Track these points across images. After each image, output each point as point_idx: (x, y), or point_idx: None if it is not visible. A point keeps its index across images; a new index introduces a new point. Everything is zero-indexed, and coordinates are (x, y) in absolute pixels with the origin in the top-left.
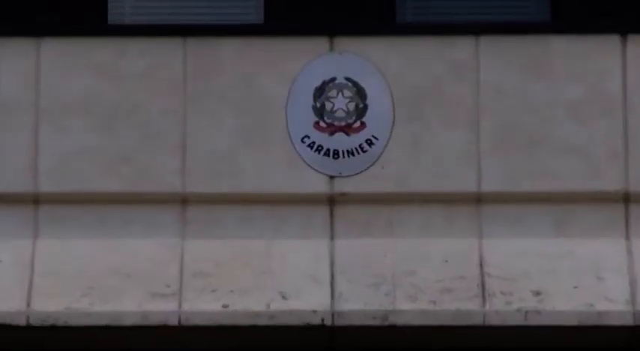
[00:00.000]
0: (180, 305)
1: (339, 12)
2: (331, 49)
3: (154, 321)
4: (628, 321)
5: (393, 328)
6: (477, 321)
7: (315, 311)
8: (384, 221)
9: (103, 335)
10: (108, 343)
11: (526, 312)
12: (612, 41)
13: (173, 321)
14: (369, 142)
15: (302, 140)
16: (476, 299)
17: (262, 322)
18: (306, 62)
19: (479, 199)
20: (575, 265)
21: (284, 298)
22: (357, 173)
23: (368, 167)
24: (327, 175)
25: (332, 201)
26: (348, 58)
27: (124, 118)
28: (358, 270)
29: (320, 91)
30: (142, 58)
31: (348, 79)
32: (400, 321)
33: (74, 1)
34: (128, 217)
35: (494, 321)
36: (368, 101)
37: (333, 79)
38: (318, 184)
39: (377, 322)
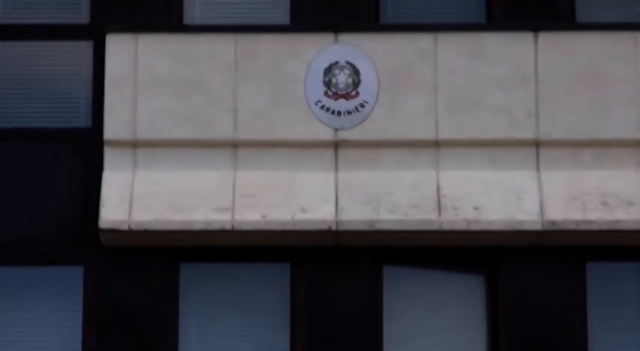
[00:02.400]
0: (233, 216)
1: (341, 16)
2: (336, 41)
3: (215, 227)
4: (538, 227)
5: (379, 232)
6: (435, 227)
7: (324, 220)
8: (371, 159)
9: (181, 236)
10: (184, 242)
11: (469, 221)
12: (528, 36)
13: (228, 227)
14: (362, 105)
15: (315, 104)
16: (434, 212)
17: (289, 227)
18: (318, 50)
19: (437, 144)
20: (503, 189)
21: (304, 211)
22: (353, 126)
23: (361, 122)
24: (333, 128)
25: (336, 145)
26: (348, 47)
27: (194, 88)
28: (354, 192)
29: (328, 70)
30: (206, 47)
31: (347, 62)
32: (383, 227)
33: (160, 8)
34: (197, 157)
35: (447, 227)
36: (361, 77)
37: (337, 62)
38: (326, 134)
39: (367, 228)
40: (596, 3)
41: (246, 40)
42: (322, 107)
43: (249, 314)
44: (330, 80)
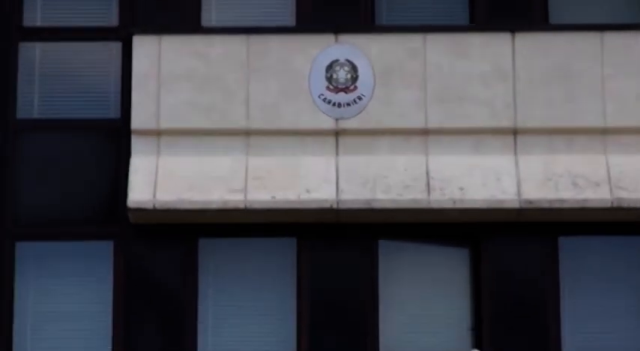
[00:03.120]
0: (245, 196)
1: (341, 18)
2: (336, 41)
3: (229, 206)
4: (516, 205)
5: (375, 210)
6: (425, 205)
7: (327, 200)
8: (368, 145)
9: (199, 215)
10: (202, 220)
11: (454, 200)
12: (506, 36)
13: (241, 206)
14: (359, 98)
15: (318, 97)
16: (424, 192)
17: (295, 206)
18: (321, 49)
19: (426, 132)
20: (484, 171)
21: (308, 191)
22: (352, 117)
23: (358, 113)
24: (334, 118)
25: (337, 133)
26: (347, 46)
27: (210, 83)
28: (353, 174)
29: (329, 67)
30: (222, 47)
31: (346, 60)
32: (378, 205)
33: (180, 12)
34: (213, 144)
35: (435, 205)
36: (358, 73)
37: (337, 60)
38: (328, 123)
39: (364, 206)
40: (567, 6)
41: (256, 40)
42: (324, 100)
43: (260, 283)
44: (331, 76)
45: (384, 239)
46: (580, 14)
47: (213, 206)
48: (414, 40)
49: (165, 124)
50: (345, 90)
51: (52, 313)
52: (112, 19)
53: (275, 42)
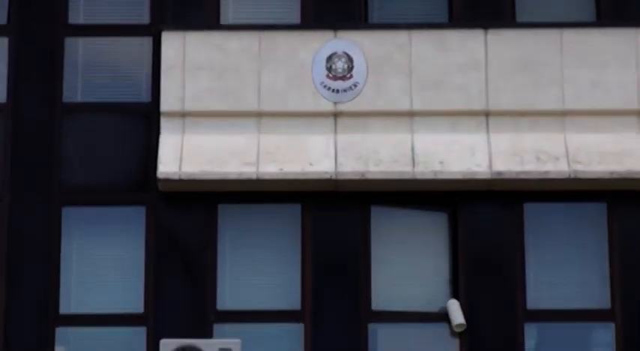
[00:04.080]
0: (257, 168)
1: (339, 17)
2: (335, 36)
3: (244, 177)
4: (488, 176)
5: (368, 180)
6: (410, 176)
7: (327, 172)
8: (362, 125)
9: (218, 184)
10: (220, 188)
11: (435, 172)
12: (479, 32)
13: (254, 177)
14: (355, 85)
15: (320, 84)
16: (410, 165)
17: (300, 177)
18: (322, 43)
19: (411, 114)
20: (461, 148)
21: (311, 165)
22: (348, 101)
23: (354, 98)
24: (333, 102)
25: (335, 115)
26: (344, 41)
27: (227, 73)
28: (349, 150)
29: (329, 59)
30: (237, 41)
31: (344, 52)
32: (371, 176)
33: (202, 11)
34: (230, 124)
35: (419, 176)
36: (354, 64)
37: (335, 52)
38: (328, 107)
39: (359, 177)
40: (532, 7)
41: (267, 36)
42: (325, 86)
43: (270, 242)
44: (330, 66)
45: (376, 206)
46: (543, 14)
47: (230, 177)
48: (401, 36)
49: (189, 107)
50: (343, 78)
51: (93, 269)
52: (143, 17)
53: (283, 37)
